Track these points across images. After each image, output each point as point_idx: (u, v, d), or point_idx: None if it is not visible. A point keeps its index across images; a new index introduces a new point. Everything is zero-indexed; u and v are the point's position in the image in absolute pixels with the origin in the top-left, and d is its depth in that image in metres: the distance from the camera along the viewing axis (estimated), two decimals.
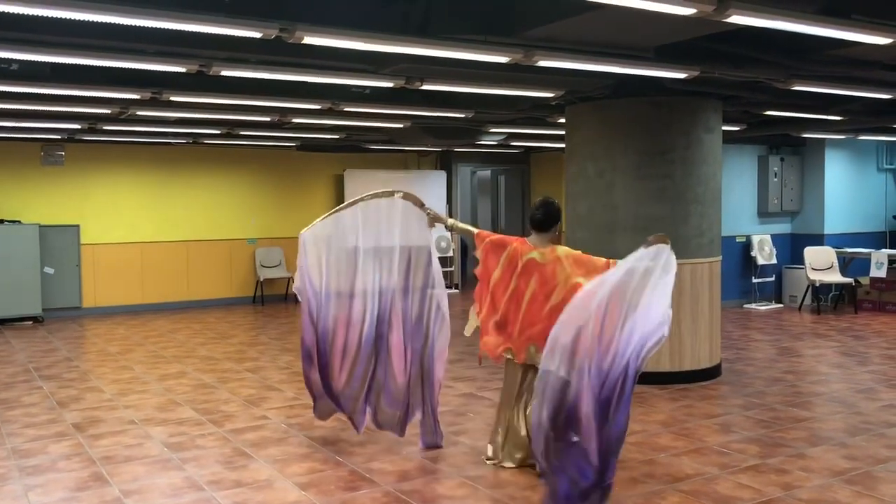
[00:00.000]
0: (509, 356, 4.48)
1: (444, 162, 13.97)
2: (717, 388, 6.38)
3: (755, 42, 5.07)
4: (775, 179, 11.17)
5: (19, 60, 5.48)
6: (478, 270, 4.64)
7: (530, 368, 4.37)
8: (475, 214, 16.49)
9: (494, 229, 15.25)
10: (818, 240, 11.18)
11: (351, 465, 4.53)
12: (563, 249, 4.49)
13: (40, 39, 4.50)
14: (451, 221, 4.93)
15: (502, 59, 4.74)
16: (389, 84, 5.83)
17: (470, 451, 4.77)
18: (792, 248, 11.53)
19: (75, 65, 5.23)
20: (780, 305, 11.19)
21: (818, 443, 4.94)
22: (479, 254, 4.67)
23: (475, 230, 4.80)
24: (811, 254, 10.69)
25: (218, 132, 9.46)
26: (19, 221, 10.39)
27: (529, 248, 4.51)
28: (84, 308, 10.94)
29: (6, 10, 3.52)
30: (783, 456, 4.67)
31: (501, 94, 6.75)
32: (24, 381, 6.84)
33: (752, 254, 10.93)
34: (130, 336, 9.18)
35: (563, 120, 7.53)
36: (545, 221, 4.54)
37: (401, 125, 8.86)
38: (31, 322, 10.27)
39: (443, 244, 13.21)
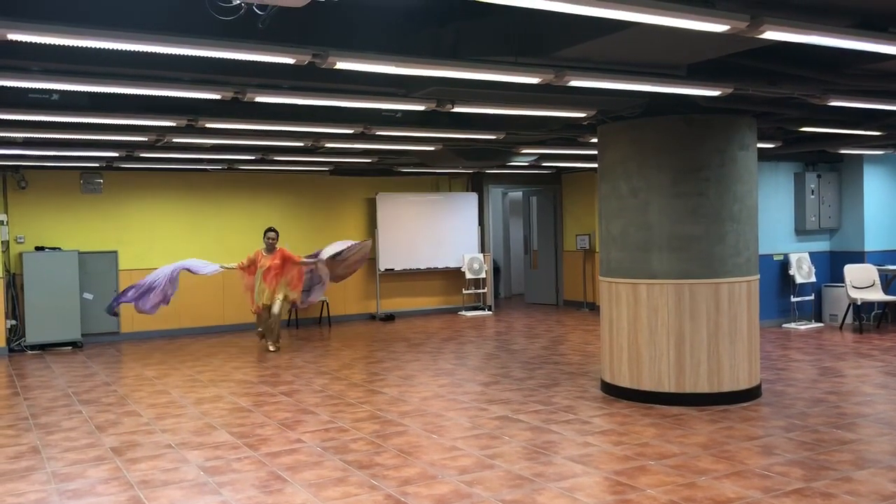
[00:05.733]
0: (268, 302, 9.87)
1: (476, 184, 13.99)
2: (757, 410, 6.25)
3: (790, 57, 5.01)
4: (812, 196, 11.00)
5: (59, 91, 5.62)
6: (245, 281, 10.03)
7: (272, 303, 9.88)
8: (507, 236, 16.41)
9: (527, 250, 15.22)
10: (859, 257, 10.96)
11: (386, 490, 4.50)
12: (281, 252, 9.87)
13: (79, 70, 4.61)
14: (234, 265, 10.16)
15: (533, 80, 4.74)
16: (421, 107, 5.86)
17: (506, 475, 4.72)
18: (831, 266, 11.32)
19: (113, 94, 5.34)
20: (821, 324, 10.97)
21: (865, 465, 4.80)
22: (244, 271, 9.98)
23: (236, 265, 10.01)
24: (852, 271, 10.47)
25: (252, 158, 9.59)
26: (59, 248, 10.59)
27: (263, 255, 9.85)
28: (122, 333, 11.09)
29: (46, 42, 3.61)
30: (828, 479, 4.55)
31: (533, 115, 6.75)
32: (64, 405, 6.93)
33: (791, 272, 10.75)
34: (167, 360, 9.27)
35: (594, 140, 7.51)
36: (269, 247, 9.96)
37: (432, 148, 8.89)
38: (70, 347, 10.44)
39: (475, 266, 13.18)
